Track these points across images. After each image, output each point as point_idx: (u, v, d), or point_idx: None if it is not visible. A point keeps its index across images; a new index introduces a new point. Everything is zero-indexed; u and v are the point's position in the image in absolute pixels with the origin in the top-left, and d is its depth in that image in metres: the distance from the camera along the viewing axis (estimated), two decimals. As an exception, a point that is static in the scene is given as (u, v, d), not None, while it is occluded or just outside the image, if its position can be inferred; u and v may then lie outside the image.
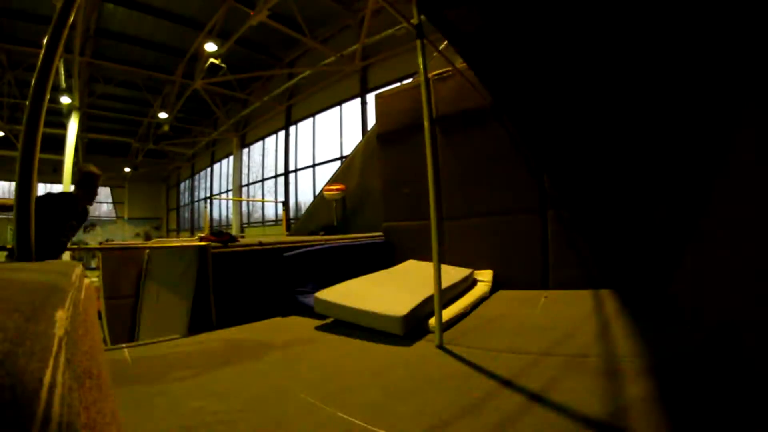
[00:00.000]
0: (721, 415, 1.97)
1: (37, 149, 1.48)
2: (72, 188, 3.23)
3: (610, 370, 2.65)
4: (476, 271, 5.90)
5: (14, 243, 1.45)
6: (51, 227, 2.90)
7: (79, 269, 1.25)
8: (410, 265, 6.15)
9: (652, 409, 2.07)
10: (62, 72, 13.66)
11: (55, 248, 3.03)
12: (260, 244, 5.46)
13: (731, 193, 3.01)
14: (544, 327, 3.79)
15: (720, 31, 2.94)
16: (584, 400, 2.23)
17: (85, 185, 3.21)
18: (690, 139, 3.83)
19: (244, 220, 21.63)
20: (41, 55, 1.53)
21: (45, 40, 1.55)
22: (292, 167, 17.99)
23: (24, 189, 1.45)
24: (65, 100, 14.88)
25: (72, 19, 1.63)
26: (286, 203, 17.18)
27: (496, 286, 5.76)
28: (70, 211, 3.12)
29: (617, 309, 4.23)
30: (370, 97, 13.64)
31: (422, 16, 3.82)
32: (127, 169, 25.51)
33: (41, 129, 1.50)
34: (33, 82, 1.52)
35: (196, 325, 4.49)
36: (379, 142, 7.68)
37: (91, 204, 3.41)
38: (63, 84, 14.30)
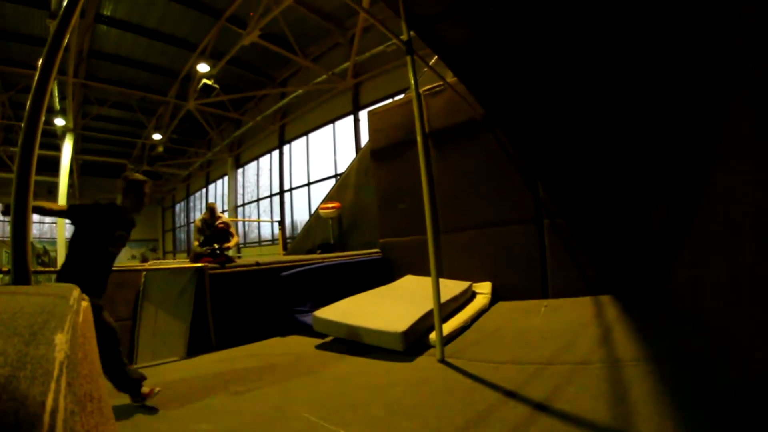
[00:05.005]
0: (724, 417, 1.95)
1: (32, 171, 1.46)
2: (119, 199, 3.03)
3: (613, 375, 2.64)
4: (475, 284, 5.89)
5: (11, 265, 1.43)
6: (98, 237, 2.84)
7: (76, 292, 1.24)
8: (409, 280, 6.13)
9: (657, 412, 2.05)
10: (56, 94, 13.69)
11: (104, 259, 2.93)
12: (257, 264, 5.43)
13: (725, 194, 3.03)
14: (545, 336, 3.77)
15: (702, 32, 2.99)
16: (589, 406, 2.22)
17: (132, 194, 3.05)
18: (682, 141, 3.87)
19: (241, 240, 21.55)
20: (36, 77, 1.52)
21: (40, 62, 1.54)
22: (287, 186, 18.01)
23: (20, 211, 1.44)
24: (59, 122, 14.89)
25: (66, 40, 1.64)
26: (282, 222, 17.15)
27: (496, 297, 5.75)
28: (117, 221, 2.98)
29: (618, 314, 4.22)
30: (363, 114, 13.71)
31: (411, 32, 3.86)
32: (121, 191, 25.44)
33: (36, 150, 1.49)
34: (28, 103, 1.51)
35: (195, 347, 4.44)
36: (373, 159, 7.70)
37: (138, 213, 3.22)
38: (57, 106, 14.32)
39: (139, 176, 3.11)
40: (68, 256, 2.80)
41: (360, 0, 9.87)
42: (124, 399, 2.93)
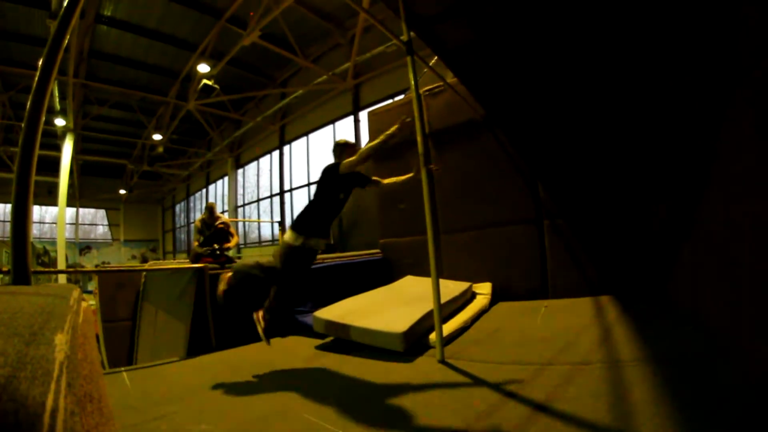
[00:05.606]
0: (724, 417, 1.95)
1: (32, 171, 1.46)
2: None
3: (613, 376, 2.64)
4: (475, 284, 5.88)
5: (11, 265, 1.42)
6: (342, 190, 3.62)
7: (76, 292, 1.24)
8: (409, 281, 6.13)
9: (658, 412, 2.05)
10: (56, 94, 13.70)
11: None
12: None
13: (725, 194, 3.03)
14: (545, 337, 3.77)
15: (700, 30, 2.98)
16: (590, 407, 2.22)
17: (344, 153, 3.63)
18: (682, 141, 3.86)
19: (241, 240, 21.51)
20: (36, 77, 1.52)
21: (40, 62, 1.54)
22: (287, 187, 17.99)
23: (20, 211, 1.44)
24: (59, 122, 14.90)
25: (67, 41, 1.64)
26: (282, 223, 17.14)
27: (496, 298, 5.74)
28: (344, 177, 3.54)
29: (618, 315, 4.22)
30: (363, 115, 13.67)
31: (412, 33, 3.85)
32: (122, 191, 25.48)
33: (37, 151, 1.49)
34: (28, 103, 1.51)
35: (195, 348, 4.44)
36: (373, 159, 7.69)
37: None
38: (57, 106, 14.33)
39: (341, 140, 3.78)
40: (318, 210, 3.57)
41: (360, 0, 9.86)
42: (124, 399, 2.94)
